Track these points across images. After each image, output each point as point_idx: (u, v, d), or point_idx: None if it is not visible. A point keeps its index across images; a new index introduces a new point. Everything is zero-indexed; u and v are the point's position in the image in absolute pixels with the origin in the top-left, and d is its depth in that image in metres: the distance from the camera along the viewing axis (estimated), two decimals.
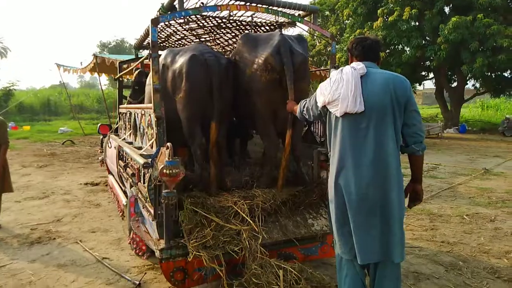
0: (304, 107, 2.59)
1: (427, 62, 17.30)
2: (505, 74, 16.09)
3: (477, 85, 18.10)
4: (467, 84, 18.28)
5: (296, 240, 2.98)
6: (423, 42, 15.83)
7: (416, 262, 3.64)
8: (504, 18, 14.53)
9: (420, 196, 2.33)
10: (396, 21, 15.23)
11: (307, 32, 4.31)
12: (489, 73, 15.74)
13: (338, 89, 2.15)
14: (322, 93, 2.25)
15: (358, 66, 2.17)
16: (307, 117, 2.59)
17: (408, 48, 15.91)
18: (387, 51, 16.61)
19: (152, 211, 2.81)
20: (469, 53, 14.18)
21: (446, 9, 15.90)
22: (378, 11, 16.19)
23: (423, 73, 18.92)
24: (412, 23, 15.87)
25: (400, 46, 16.83)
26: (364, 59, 2.24)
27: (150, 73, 3.77)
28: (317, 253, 3.21)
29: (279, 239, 2.92)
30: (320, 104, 2.31)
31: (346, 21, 19.76)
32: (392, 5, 15.99)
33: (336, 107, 2.17)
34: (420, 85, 21.28)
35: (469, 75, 15.55)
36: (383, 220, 2.13)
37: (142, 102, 4.63)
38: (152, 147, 2.95)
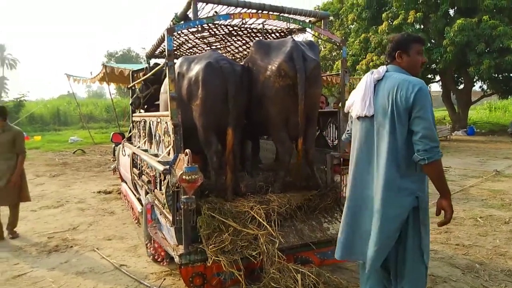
0: (347, 126, 2.58)
1: (433, 65, 17.25)
2: None
3: (485, 86, 18.01)
4: (474, 86, 18.19)
5: (312, 244, 3.00)
6: (429, 45, 15.81)
7: (432, 265, 3.63)
8: (510, 20, 14.47)
9: (446, 213, 2.05)
10: (401, 24, 15.26)
11: (314, 36, 4.35)
12: (496, 75, 15.66)
13: (356, 92, 2.23)
14: (351, 96, 2.34)
15: (377, 70, 2.17)
16: (347, 130, 2.56)
17: None
18: None
19: (170, 217, 2.86)
20: (475, 55, 14.13)
21: (451, 12, 15.90)
22: (383, 15, 16.24)
23: (429, 76, 18.86)
24: (417, 26, 15.88)
25: None
26: (390, 61, 2.22)
27: (166, 81, 3.86)
28: (333, 257, 3.21)
29: (296, 243, 2.95)
30: (347, 109, 2.40)
31: (351, 25, 19.82)
32: (396, 9, 16.03)
33: (353, 110, 2.27)
34: None
35: (476, 77, 15.48)
36: (372, 224, 2.13)
37: (147, 96, 4.74)
38: (169, 154, 3.00)
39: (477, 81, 17.40)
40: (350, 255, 2.28)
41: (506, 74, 15.79)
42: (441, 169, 2.02)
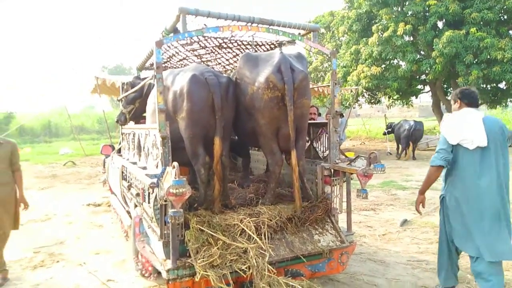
0: (440, 153, 3.07)
1: (422, 76, 17.49)
2: (500, 86, 16.25)
3: None
4: None
5: (303, 257, 2.97)
6: (418, 56, 16.06)
7: (423, 276, 3.61)
8: (497, 31, 14.78)
9: None
10: (391, 36, 15.49)
11: (304, 48, 4.39)
12: (484, 85, 15.89)
13: (469, 127, 2.92)
14: (454, 129, 3.00)
15: (477, 112, 2.99)
16: (445, 157, 3.03)
17: (404, 63, 16.13)
18: (383, 66, 16.83)
19: (158, 231, 2.81)
20: (464, 66, 14.37)
21: (440, 24, 16.20)
22: (373, 27, 16.48)
23: (419, 87, 19.10)
24: (407, 38, 16.13)
25: (395, 61, 17.07)
26: (473, 106, 3.06)
27: (152, 92, 3.84)
28: (324, 269, 3.18)
29: (286, 256, 2.91)
30: (453, 142, 2.98)
31: (342, 38, 20.10)
32: (386, 21, 16.31)
33: (469, 143, 2.90)
34: (416, 98, 21.47)
35: (465, 87, 15.72)
36: (498, 222, 2.85)
37: (131, 112, 4.63)
38: (157, 167, 2.97)
39: None
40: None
41: (494, 84, 16.04)
42: None
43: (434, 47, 14.67)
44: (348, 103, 17.54)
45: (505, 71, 13.87)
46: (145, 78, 4.05)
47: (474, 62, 14.40)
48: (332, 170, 3.42)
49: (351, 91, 15.76)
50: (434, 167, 3.06)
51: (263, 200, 3.33)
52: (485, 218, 2.86)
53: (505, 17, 15.79)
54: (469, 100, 3.07)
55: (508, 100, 17.20)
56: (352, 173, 3.23)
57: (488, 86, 16.22)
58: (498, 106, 18.41)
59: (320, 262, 3.14)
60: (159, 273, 3.06)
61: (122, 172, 4.43)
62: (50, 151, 17.41)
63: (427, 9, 15.55)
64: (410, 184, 8.20)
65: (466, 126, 2.95)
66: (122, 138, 5.05)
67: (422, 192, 3.23)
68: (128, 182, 4.10)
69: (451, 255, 3.17)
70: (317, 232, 3.23)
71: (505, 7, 14.41)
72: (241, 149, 4.19)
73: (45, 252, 4.43)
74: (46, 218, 6.01)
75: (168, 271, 2.62)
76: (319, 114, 13.18)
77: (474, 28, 14.21)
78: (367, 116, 32.66)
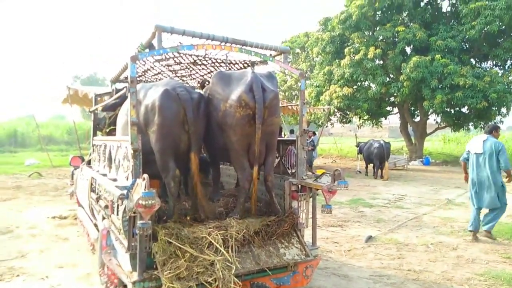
0: (463, 155, 6.00)
1: (391, 98, 18.28)
2: (463, 110, 17.23)
3: (438, 119, 19.20)
4: (428, 118, 19.36)
5: (269, 270, 3.04)
6: (387, 79, 16.82)
7: None
8: (459, 59, 15.77)
9: (509, 178, 5.51)
10: (362, 59, 16.21)
11: (279, 69, 4.57)
12: (448, 109, 16.80)
13: (474, 143, 5.70)
14: (469, 145, 5.85)
15: (484, 136, 5.64)
16: (464, 157, 5.93)
17: (374, 85, 16.84)
18: (354, 87, 17.48)
19: (125, 243, 2.81)
20: (429, 90, 15.19)
21: (408, 50, 17.10)
22: (345, 50, 17.20)
23: (388, 108, 19.92)
24: (377, 62, 16.92)
25: (366, 83, 17.79)
26: (487, 133, 5.69)
27: (123, 106, 3.87)
28: (289, 282, 3.26)
29: (252, 269, 2.98)
30: (467, 150, 5.86)
31: (316, 58, 20.79)
32: (358, 45, 17.06)
33: (473, 149, 5.70)
34: (385, 119, 22.32)
35: (430, 110, 16.56)
36: (488, 191, 5.50)
37: (111, 118, 4.69)
38: (127, 179, 2.99)
39: (432, 114, 18.55)
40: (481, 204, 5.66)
41: (458, 108, 17.00)
42: (509, 169, 5.48)
43: (402, 71, 15.45)
44: (320, 121, 18.01)
45: (466, 96, 14.76)
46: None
47: (439, 87, 15.26)
48: (300, 186, 3.55)
49: (324, 110, 16.22)
50: (461, 161, 6.01)
51: (232, 214, 3.40)
52: (475, 186, 5.61)
53: (467, 45, 16.88)
54: (485, 131, 5.84)
55: (470, 124, 18.17)
56: (318, 189, 3.37)
57: (452, 110, 17.13)
58: (461, 129, 19.42)
59: (285, 275, 3.22)
60: (124, 286, 3.04)
61: (91, 184, 4.38)
62: (15, 162, 16.70)
63: (396, 35, 16.43)
64: (377, 202, 8.49)
65: (473, 143, 5.77)
66: (93, 149, 5.00)
67: (464, 173, 5.96)
68: (97, 194, 4.06)
69: (476, 211, 5.64)
70: (283, 246, 3.32)
71: (466, 36, 15.44)
72: (211, 164, 4.26)
73: (4, 266, 4.26)
74: (7, 231, 5.77)
75: (134, 283, 2.63)
76: (292, 131, 13.43)
77: (439, 55, 15.12)
78: (339, 135, 33.48)
